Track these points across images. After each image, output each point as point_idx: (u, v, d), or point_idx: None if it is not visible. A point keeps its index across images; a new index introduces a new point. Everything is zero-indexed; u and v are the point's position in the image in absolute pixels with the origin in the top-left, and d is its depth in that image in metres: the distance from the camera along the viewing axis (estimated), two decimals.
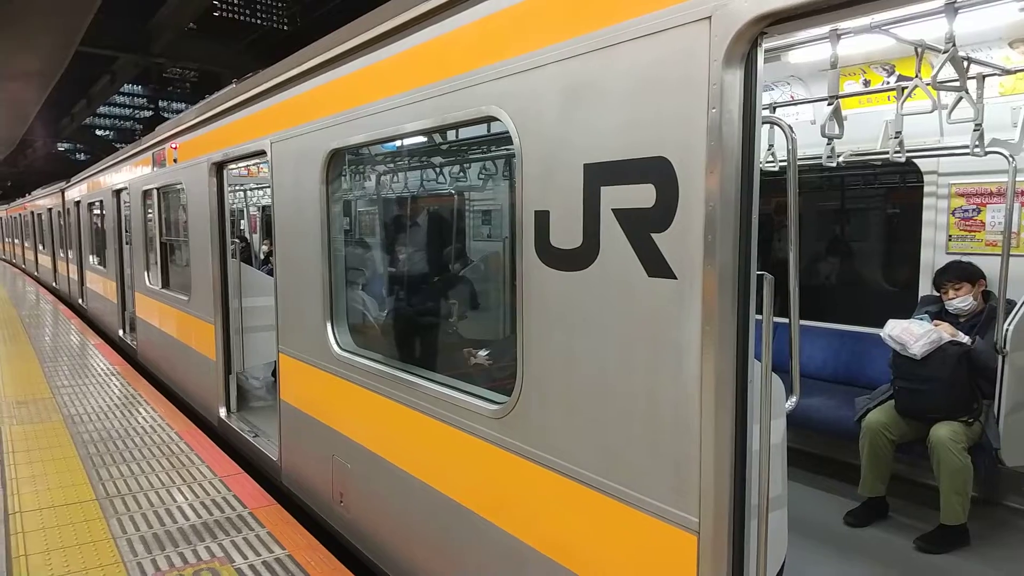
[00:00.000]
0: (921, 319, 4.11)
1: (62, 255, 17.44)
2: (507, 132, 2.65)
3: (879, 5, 1.82)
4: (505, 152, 5.43)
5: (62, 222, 16.81)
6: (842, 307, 5.48)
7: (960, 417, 3.86)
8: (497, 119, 2.73)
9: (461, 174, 6.32)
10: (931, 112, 3.80)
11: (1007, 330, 3.78)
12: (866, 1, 1.71)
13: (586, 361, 2.37)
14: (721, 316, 1.93)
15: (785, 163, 3.15)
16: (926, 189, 4.71)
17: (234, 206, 11.63)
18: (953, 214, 4.60)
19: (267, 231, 10.71)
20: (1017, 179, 4.00)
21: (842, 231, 6.43)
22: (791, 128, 2.24)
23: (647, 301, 2.13)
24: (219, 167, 6.04)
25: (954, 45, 3.09)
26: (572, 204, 2.36)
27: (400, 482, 3.54)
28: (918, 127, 4.25)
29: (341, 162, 4.28)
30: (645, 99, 2.10)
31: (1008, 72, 3.89)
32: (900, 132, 4.10)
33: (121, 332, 10.87)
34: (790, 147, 2.23)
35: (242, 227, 13.38)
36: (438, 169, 6.34)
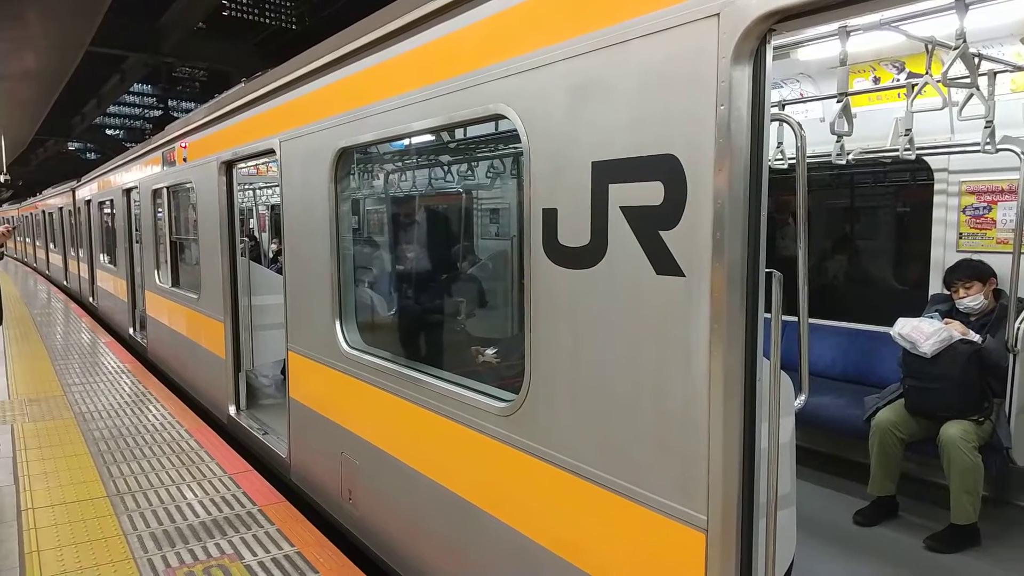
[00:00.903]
0: (931, 317, 4.09)
1: (73, 254, 17.56)
2: (515, 130, 2.66)
3: (888, 2, 1.81)
4: (513, 150, 5.43)
5: (73, 221, 16.93)
6: (852, 306, 5.45)
7: (971, 416, 3.84)
8: (505, 117, 2.73)
9: (469, 172, 6.32)
10: (942, 109, 3.77)
11: (1018, 328, 3.75)
12: None
13: (594, 359, 2.37)
14: (730, 314, 1.93)
15: (794, 160, 3.14)
16: (936, 187, 4.67)
17: (243, 204, 11.66)
18: (964, 212, 4.56)
19: (276, 230, 10.74)
20: None
21: (851, 229, 6.39)
22: (800, 125, 2.24)
23: (655, 299, 2.13)
24: (228, 166, 6.06)
25: (965, 41, 3.07)
26: (580, 202, 2.36)
27: (408, 479, 3.55)
28: (928, 124, 4.23)
29: (350, 161, 4.29)
30: (653, 96, 2.10)
31: (1020, 68, 3.86)
32: (910, 129, 4.08)
33: (131, 330, 10.93)
34: (799, 144, 2.23)
35: (251, 226, 13.43)
36: (446, 167, 6.35)
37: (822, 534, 3.93)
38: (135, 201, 10.12)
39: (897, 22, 3.32)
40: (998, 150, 3.87)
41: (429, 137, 4.99)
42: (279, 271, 5.25)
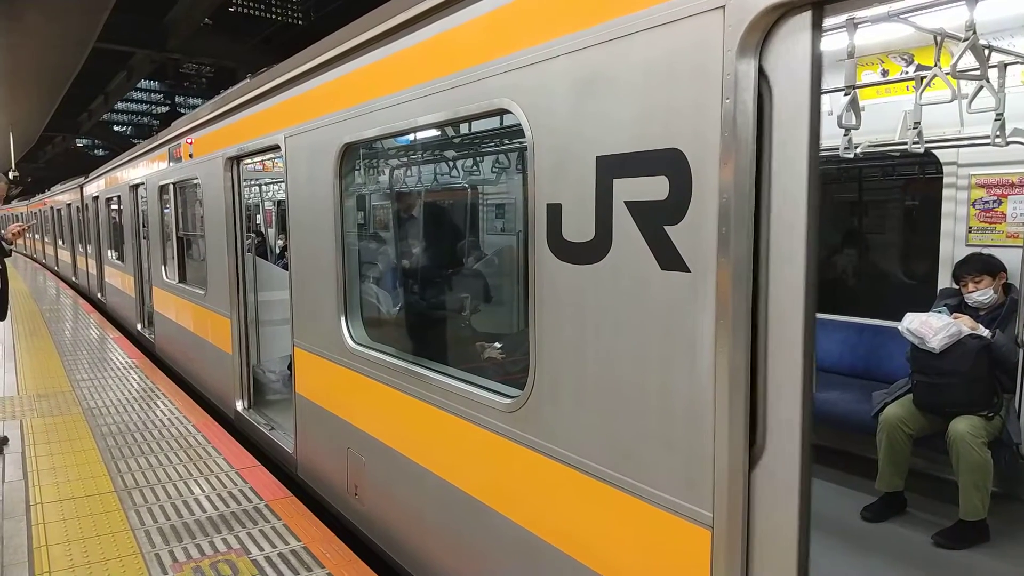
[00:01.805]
0: (940, 312, 4.06)
1: (81, 250, 17.65)
2: (519, 125, 2.64)
3: None
4: (517, 145, 5.41)
5: (81, 217, 17.01)
6: (860, 300, 5.42)
7: (979, 411, 3.81)
8: (509, 112, 2.72)
9: (474, 167, 6.31)
10: (951, 102, 3.73)
11: None
12: None
13: (599, 355, 2.36)
14: (735, 309, 1.91)
15: None
16: (945, 180, 4.63)
17: (249, 200, 11.69)
18: (973, 205, 4.52)
19: (282, 226, 10.76)
20: None
21: (859, 223, 6.35)
22: None
23: (660, 294, 2.11)
24: (234, 161, 6.07)
25: (975, 33, 3.03)
26: (584, 197, 2.34)
27: (414, 475, 3.55)
28: (937, 117, 4.18)
29: (354, 156, 4.29)
30: (658, 90, 2.08)
31: None
32: (919, 122, 4.04)
33: (139, 326, 10.99)
34: None
35: (258, 222, 13.46)
36: (451, 163, 6.34)
37: (830, 530, 3.91)
38: (142, 197, 10.16)
39: (905, 14, 3.29)
40: (1008, 143, 3.82)
41: (434, 132, 4.98)
42: (285, 267, 5.25)
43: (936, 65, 3.55)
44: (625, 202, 2.19)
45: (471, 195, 6.67)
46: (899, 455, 4.08)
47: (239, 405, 6.32)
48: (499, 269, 5.58)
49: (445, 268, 5.48)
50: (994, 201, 4.43)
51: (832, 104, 4.76)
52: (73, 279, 19.62)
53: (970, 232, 4.55)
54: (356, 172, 4.55)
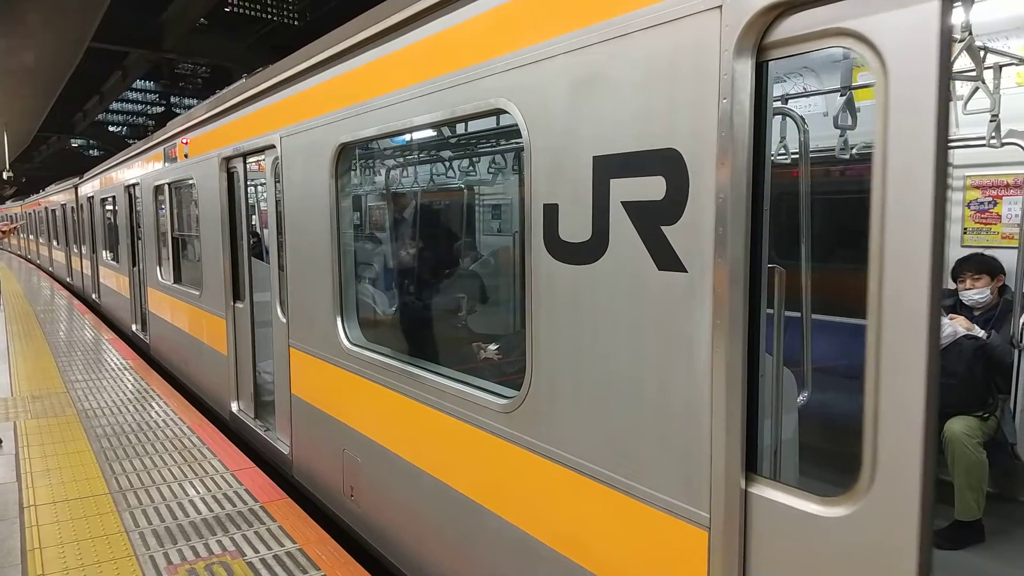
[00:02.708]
0: None
1: (76, 251, 17.59)
2: (516, 125, 2.64)
3: None
4: (514, 145, 5.41)
5: (76, 218, 16.94)
6: (855, 301, 5.41)
7: (975, 412, 3.82)
8: (506, 112, 2.71)
9: (470, 168, 6.30)
10: None
11: (1023, 324, 3.72)
12: None
13: (595, 355, 2.36)
14: (732, 309, 1.91)
15: (797, 155, 3.12)
16: None
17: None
18: (968, 206, 4.54)
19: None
20: None
21: (855, 224, 6.35)
22: (803, 119, 2.22)
23: (657, 295, 2.11)
24: (229, 162, 6.05)
25: (970, 34, 3.04)
26: (581, 197, 2.34)
27: (410, 476, 3.54)
28: None
29: (350, 156, 4.28)
30: (655, 90, 2.07)
31: None
32: None
33: (134, 327, 10.95)
34: (802, 138, 2.20)
35: (253, 222, 13.42)
36: (447, 163, 6.33)
37: None
38: (137, 198, 10.13)
39: None
40: (1003, 144, 3.83)
41: (430, 132, 4.97)
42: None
43: None
44: (622, 202, 2.19)
45: (468, 195, 6.67)
46: None
47: (234, 406, 6.30)
48: (496, 270, 5.58)
49: (441, 269, 5.47)
50: (989, 202, 4.45)
51: (828, 105, 4.77)
52: (68, 280, 19.55)
53: (965, 233, 4.56)
54: (352, 172, 4.53)
